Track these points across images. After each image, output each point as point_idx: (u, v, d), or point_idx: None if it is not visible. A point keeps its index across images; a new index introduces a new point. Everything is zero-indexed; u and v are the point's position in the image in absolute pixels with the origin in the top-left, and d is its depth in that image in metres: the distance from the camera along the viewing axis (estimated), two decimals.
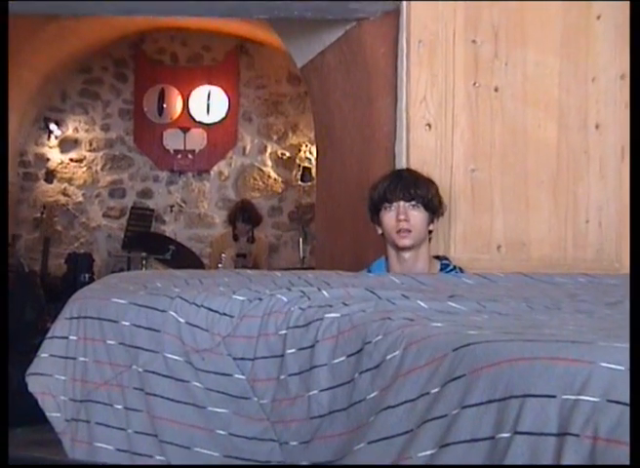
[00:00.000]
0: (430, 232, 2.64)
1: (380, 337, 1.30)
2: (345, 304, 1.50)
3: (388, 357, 1.25)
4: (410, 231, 2.53)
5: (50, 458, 1.54)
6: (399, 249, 2.55)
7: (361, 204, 2.87)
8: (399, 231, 2.52)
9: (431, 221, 2.61)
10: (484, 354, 1.06)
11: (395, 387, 1.19)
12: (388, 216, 2.54)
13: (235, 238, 6.50)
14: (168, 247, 5.81)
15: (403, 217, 2.51)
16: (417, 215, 2.54)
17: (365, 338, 1.33)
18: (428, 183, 2.60)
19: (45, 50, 6.68)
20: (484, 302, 1.56)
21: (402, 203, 2.53)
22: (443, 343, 1.15)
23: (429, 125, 3.00)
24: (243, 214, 6.41)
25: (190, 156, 7.53)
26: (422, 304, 1.51)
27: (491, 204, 3.04)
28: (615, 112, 3.09)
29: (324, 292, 1.63)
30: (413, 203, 2.54)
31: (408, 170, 2.74)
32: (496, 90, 3.05)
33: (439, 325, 1.27)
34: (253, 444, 1.50)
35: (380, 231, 2.61)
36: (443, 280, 1.98)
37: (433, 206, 2.58)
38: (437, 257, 2.71)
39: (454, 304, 1.52)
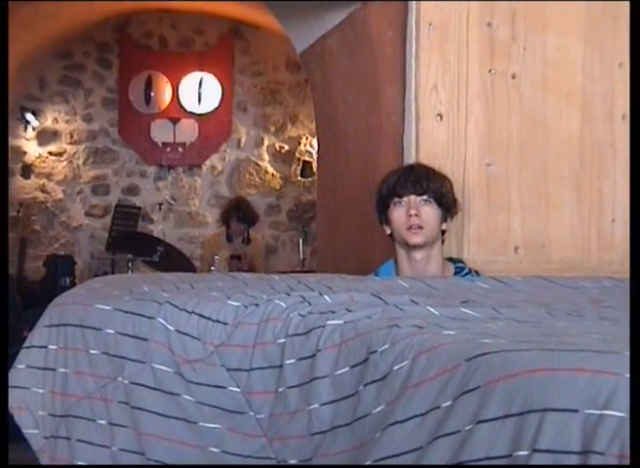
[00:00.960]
0: (443, 233, 2.64)
1: (386, 346, 1.30)
2: (349, 310, 1.51)
3: (396, 368, 1.25)
4: (421, 228, 2.53)
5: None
6: (410, 247, 2.55)
7: (367, 201, 2.87)
8: (410, 227, 2.53)
9: (444, 220, 2.61)
10: (500, 364, 1.07)
11: (403, 400, 1.20)
12: (398, 212, 2.55)
13: (229, 238, 6.51)
14: (156, 248, 5.81)
15: (414, 212, 2.52)
16: (429, 211, 2.54)
17: (370, 347, 1.33)
18: (442, 178, 2.61)
19: (20, 33, 6.67)
20: (500, 308, 1.56)
21: (413, 197, 2.53)
22: (455, 353, 1.15)
23: (440, 115, 3.00)
24: (238, 213, 6.42)
25: (180, 149, 7.54)
26: (433, 310, 1.51)
27: (507, 201, 3.05)
28: None
29: (326, 298, 1.64)
30: (425, 197, 2.54)
31: (420, 164, 2.74)
32: (513, 77, 3.05)
33: (451, 333, 1.28)
34: (248, 462, 1.50)
35: (388, 231, 2.62)
36: (455, 284, 1.98)
37: (447, 202, 2.58)
38: (451, 260, 2.71)
39: (467, 310, 1.52)
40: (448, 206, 2.59)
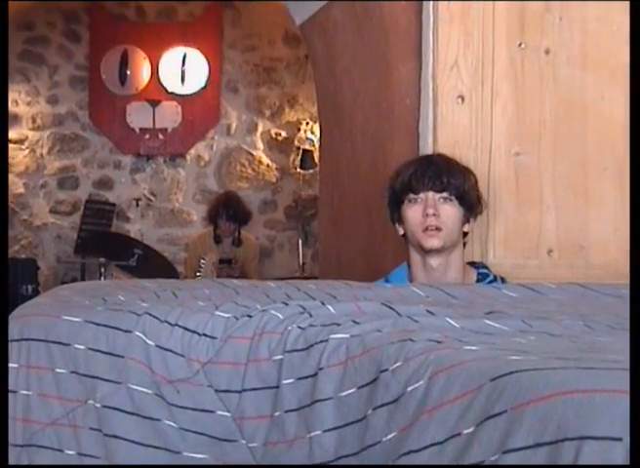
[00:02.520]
0: (465, 235, 2.64)
1: (399, 364, 1.30)
2: (356, 322, 1.51)
3: (410, 388, 1.26)
4: (439, 229, 2.53)
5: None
6: (425, 252, 2.55)
7: (376, 196, 2.88)
8: (426, 229, 2.52)
9: (467, 221, 2.61)
10: (530, 385, 1.07)
11: (418, 426, 1.20)
12: (413, 210, 2.54)
13: (217, 240, 6.52)
14: (133, 250, 5.82)
15: (432, 212, 2.51)
16: (448, 210, 2.54)
17: (380, 365, 1.34)
18: (465, 172, 2.60)
19: None
20: (530, 320, 1.57)
21: (431, 194, 2.53)
22: (478, 371, 1.16)
23: (462, 97, 3.01)
24: (227, 210, 6.43)
25: (161, 136, 7.55)
26: (453, 322, 1.52)
27: (540, 197, 3.05)
28: None
29: (329, 308, 1.64)
30: (444, 195, 2.54)
31: (439, 154, 2.73)
32: (547, 52, 3.05)
33: (473, 348, 1.28)
34: None
35: (401, 231, 2.61)
36: (479, 292, 1.99)
37: (470, 201, 2.57)
38: (473, 265, 2.72)
39: (492, 323, 1.52)
40: (471, 204, 2.58)
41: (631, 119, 1.89)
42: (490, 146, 3.02)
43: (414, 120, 3.08)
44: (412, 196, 2.54)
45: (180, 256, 7.41)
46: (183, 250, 7.41)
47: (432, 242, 2.53)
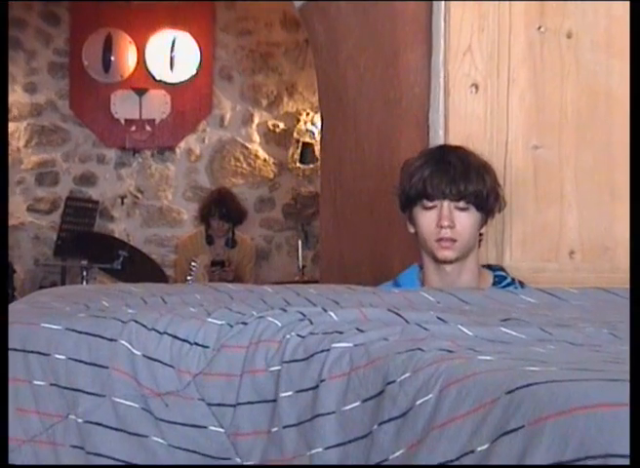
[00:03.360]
0: (480, 235, 2.65)
1: (407, 375, 1.31)
2: (360, 330, 1.52)
3: (419, 402, 1.26)
4: (454, 241, 2.53)
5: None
6: (438, 262, 2.57)
7: (382, 193, 2.88)
8: (440, 240, 2.53)
9: (484, 223, 2.61)
10: (550, 398, 1.07)
11: (428, 443, 1.20)
12: (427, 218, 2.54)
13: (210, 240, 6.53)
14: (117, 252, 5.83)
15: (447, 224, 2.51)
16: (466, 221, 2.54)
17: (387, 377, 1.34)
18: (484, 171, 2.58)
19: None
20: (550, 328, 1.57)
21: (446, 203, 2.52)
22: (493, 383, 1.16)
23: (476, 85, 3.01)
24: (220, 208, 6.43)
25: (148, 128, 7.55)
26: (465, 330, 1.52)
27: (561, 193, 3.05)
28: None
29: (331, 314, 1.65)
30: (462, 205, 2.53)
31: (456, 150, 2.69)
32: (569, 36, 3.05)
33: (488, 358, 1.28)
34: None
35: (412, 230, 2.62)
36: (494, 297, 1.99)
37: (488, 204, 2.58)
38: (489, 267, 2.72)
39: (508, 331, 1.53)
40: (490, 207, 2.59)
41: (631, 119, 1.92)
42: (506, 139, 3.02)
43: (423, 111, 3.08)
44: (426, 202, 2.54)
45: (170, 259, 7.41)
46: (173, 251, 7.42)
47: (446, 254, 2.54)
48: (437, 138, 3.00)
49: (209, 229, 6.54)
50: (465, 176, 2.54)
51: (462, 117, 3.00)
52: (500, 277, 2.67)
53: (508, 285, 2.65)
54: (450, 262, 2.56)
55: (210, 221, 6.50)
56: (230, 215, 6.46)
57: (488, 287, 2.62)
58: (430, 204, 2.53)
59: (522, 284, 2.70)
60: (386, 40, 3.32)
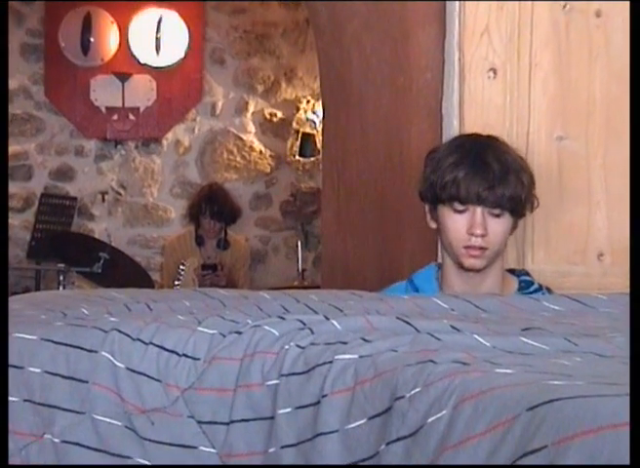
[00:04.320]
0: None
1: (417, 390, 1.31)
2: (366, 340, 1.52)
3: (430, 419, 1.26)
4: (485, 249, 2.53)
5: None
6: (463, 269, 2.56)
7: (391, 189, 2.88)
8: (469, 247, 2.52)
9: (515, 227, 2.60)
10: (575, 415, 1.08)
11: (441, 465, 1.21)
12: (456, 223, 2.52)
13: (200, 241, 6.52)
14: (98, 254, 5.82)
15: (480, 232, 2.49)
16: (498, 228, 2.52)
17: (395, 391, 1.34)
18: (522, 173, 2.55)
19: None
20: (576, 338, 1.57)
21: (480, 209, 2.49)
22: (513, 399, 1.17)
23: (494, 70, 3.01)
24: (211, 206, 6.43)
25: (132, 117, 7.55)
26: (482, 340, 1.53)
27: (588, 190, 3.05)
28: None
29: (334, 323, 1.65)
30: (497, 212, 2.52)
31: (490, 143, 2.61)
32: (597, 15, 3.05)
33: (507, 371, 1.29)
34: None
35: (433, 225, 2.60)
36: (514, 304, 1.99)
37: (524, 209, 2.57)
38: (512, 271, 2.71)
39: (530, 341, 1.53)
40: (525, 211, 2.58)
41: (631, 119, 1.92)
42: (527, 129, 3.02)
43: (436, 98, 3.08)
44: (457, 205, 2.51)
45: (156, 261, 7.41)
46: (159, 253, 7.42)
47: (474, 263, 2.53)
48: (451, 129, 3.00)
49: (199, 229, 6.54)
50: (504, 181, 2.49)
51: (479, 105, 3.00)
52: (526, 282, 2.67)
53: (535, 291, 2.64)
54: (477, 271, 2.55)
55: (200, 220, 6.50)
56: (223, 214, 6.46)
57: (512, 293, 2.62)
58: (462, 207, 2.51)
59: (550, 290, 2.69)
60: (395, 19, 3.32)
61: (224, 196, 6.63)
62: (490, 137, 2.66)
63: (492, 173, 2.50)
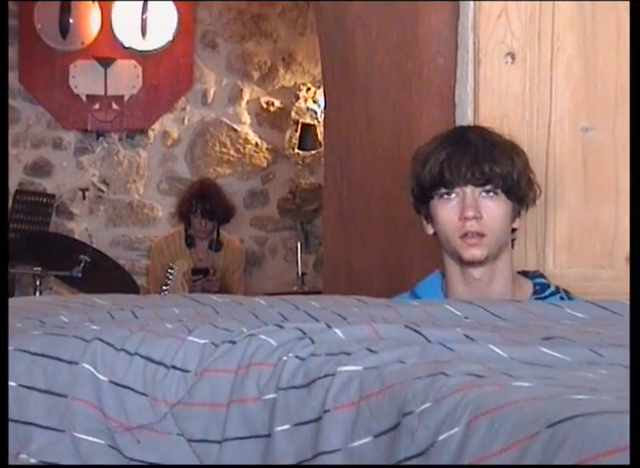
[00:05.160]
0: (513, 231, 2.65)
1: (428, 405, 1.31)
2: (372, 351, 1.52)
3: (442, 437, 1.26)
4: (483, 235, 2.53)
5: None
6: (464, 263, 2.56)
7: (399, 186, 2.88)
8: (465, 235, 2.53)
9: (517, 215, 2.61)
10: (600, 433, 1.08)
11: None
12: (447, 211, 2.54)
13: (190, 242, 6.53)
14: (78, 257, 5.83)
15: (472, 214, 2.50)
16: (494, 210, 2.54)
17: (404, 407, 1.35)
18: (512, 152, 2.59)
19: None
20: (601, 348, 1.57)
21: (470, 189, 2.52)
22: (532, 415, 1.17)
23: (512, 54, 3.01)
24: (203, 203, 6.43)
25: (115, 106, 7.56)
26: (498, 351, 1.53)
27: (615, 186, 3.05)
28: None
29: (337, 332, 1.65)
30: (488, 188, 2.53)
31: (477, 129, 2.72)
32: None
33: (525, 385, 1.29)
34: None
35: (430, 230, 2.62)
36: (534, 311, 1.99)
37: (520, 190, 2.58)
38: (525, 274, 2.72)
39: (550, 351, 1.53)
40: (522, 194, 2.59)
41: (631, 119, 1.93)
42: (549, 120, 3.03)
43: (448, 86, 3.09)
44: (444, 191, 2.53)
45: (142, 265, 7.42)
46: (145, 256, 7.42)
47: (474, 253, 2.53)
48: (465, 119, 3.01)
49: (189, 229, 6.54)
50: (490, 156, 2.53)
51: (496, 93, 3.01)
52: (542, 285, 2.67)
53: (551, 295, 2.64)
54: (479, 263, 2.55)
55: (190, 219, 6.50)
56: (215, 212, 6.46)
57: (526, 298, 2.62)
58: (450, 192, 2.53)
59: (568, 293, 2.69)
60: None
61: (217, 193, 6.63)
62: (474, 125, 2.77)
63: (475, 149, 2.54)
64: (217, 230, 6.53)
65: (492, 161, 2.52)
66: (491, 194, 2.54)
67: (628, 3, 3.05)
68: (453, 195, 2.53)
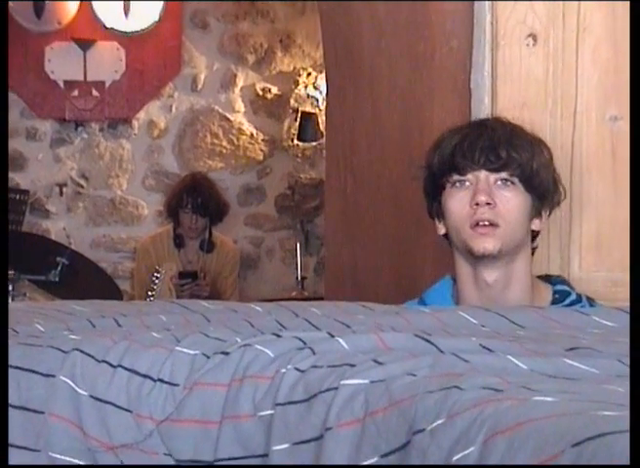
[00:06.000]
0: (536, 236, 2.65)
1: (440, 422, 1.32)
2: (378, 363, 1.52)
3: (456, 457, 1.27)
4: (496, 225, 2.53)
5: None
6: (476, 259, 2.56)
7: (409, 181, 2.88)
8: (476, 224, 2.53)
9: (537, 215, 2.61)
10: (629, 453, 1.08)
11: None
12: (458, 199, 2.54)
13: (179, 242, 6.51)
14: (55, 259, 5.83)
15: (484, 199, 2.50)
16: (509, 199, 2.54)
17: (414, 424, 1.35)
18: (535, 143, 2.60)
19: None
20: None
21: (483, 174, 2.52)
22: (555, 433, 1.17)
23: (534, 36, 3.01)
24: (194, 197, 6.42)
25: (96, 93, 7.55)
26: (518, 362, 1.53)
27: None
28: None
29: (340, 341, 1.65)
30: (503, 175, 2.53)
31: (496, 118, 2.73)
32: None
33: (548, 400, 1.29)
34: None
35: (442, 230, 2.62)
36: (557, 319, 1.99)
37: (541, 185, 2.57)
38: (547, 279, 2.72)
39: (575, 363, 1.53)
40: (543, 191, 2.59)
41: (631, 120, 1.93)
42: (574, 108, 3.03)
43: (463, 70, 3.09)
44: (456, 177, 2.54)
45: (125, 268, 7.42)
46: (129, 258, 7.42)
47: (485, 243, 2.52)
48: (481, 107, 3.01)
49: (178, 227, 6.53)
50: (508, 141, 2.54)
51: (515, 79, 3.01)
52: (562, 292, 2.66)
53: (573, 304, 2.64)
54: (492, 258, 2.55)
55: (180, 215, 6.48)
56: (207, 207, 6.43)
57: (546, 305, 2.62)
58: (462, 178, 2.54)
59: (592, 301, 2.69)
60: None
61: (210, 187, 6.62)
62: (496, 116, 2.77)
63: (492, 131, 2.56)
64: (209, 229, 6.51)
65: (509, 146, 2.53)
66: (508, 183, 2.54)
67: None
68: (466, 183, 2.54)
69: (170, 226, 6.64)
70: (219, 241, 6.64)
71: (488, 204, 2.51)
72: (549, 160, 2.61)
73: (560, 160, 2.71)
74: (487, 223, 2.51)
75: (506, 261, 2.57)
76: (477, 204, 2.51)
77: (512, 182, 2.54)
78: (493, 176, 2.53)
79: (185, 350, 1.65)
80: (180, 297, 6.05)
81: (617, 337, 1.85)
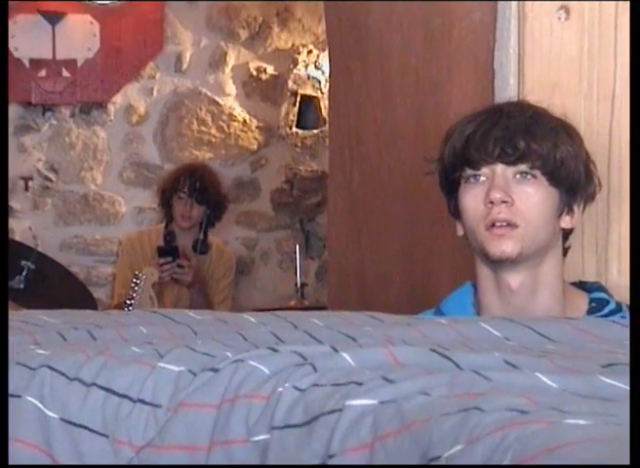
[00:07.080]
0: (567, 236, 2.65)
1: (459, 448, 1.32)
2: (389, 380, 1.53)
3: None
4: (514, 226, 2.53)
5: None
6: (494, 263, 2.56)
7: (424, 177, 2.89)
8: (492, 225, 2.53)
9: (567, 211, 2.61)
10: (630, 453, 1.10)
11: None
12: (473, 196, 2.55)
13: (170, 239, 6.48)
14: (19, 263, 5.84)
15: (499, 196, 2.49)
16: (531, 195, 2.54)
17: (428, 450, 1.36)
18: (558, 129, 2.60)
19: None
20: None
21: (500, 168, 2.53)
22: (589, 460, 1.17)
23: (567, 8, 3.02)
24: (191, 182, 6.37)
25: (66, 73, 7.56)
26: (547, 380, 1.54)
27: None
28: None
29: (345, 357, 1.66)
30: (522, 168, 2.54)
31: (518, 103, 2.73)
32: None
33: (581, 422, 1.30)
34: None
35: (460, 231, 2.63)
36: (592, 332, 2.00)
37: (570, 178, 2.57)
38: (582, 286, 2.73)
39: (612, 381, 1.54)
40: (572, 183, 2.58)
41: (631, 121, 1.94)
42: (613, 91, 3.04)
43: (486, 48, 3.10)
44: (469, 172, 2.55)
45: (100, 273, 7.42)
46: (104, 261, 7.43)
47: (502, 246, 2.52)
48: (506, 89, 3.01)
49: (170, 223, 6.50)
50: (527, 129, 2.54)
51: (545, 57, 3.02)
52: (600, 301, 2.67)
53: (612, 314, 2.65)
54: (511, 262, 2.55)
55: (173, 205, 6.44)
56: (205, 194, 6.39)
57: (581, 315, 2.62)
58: (476, 173, 2.54)
59: None
60: None
61: (211, 175, 6.61)
62: (519, 100, 2.77)
63: (509, 119, 2.55)
64: (204, 226, 6.48)
65: (528, 134, 2.53)
66: (528, 177, 2.54)
67: None
68: (481, 178, 2.54)
69: (161, 226, 6.63)
70: (215, 244, 6.64)
71: (504, 202, 2.51)
72: (579, 148, 2.60)
73: (596, 149, 2.72)
74: (504, 224, 2.52)
75: (531, 264, 2.57)
76: (492, 202, 2.51)
77: (534, 176, 2.54)
78: (510, 170, 2.53)
79: (169, 366, 1.66)
80: (160, 279, 6.05)
81: None
